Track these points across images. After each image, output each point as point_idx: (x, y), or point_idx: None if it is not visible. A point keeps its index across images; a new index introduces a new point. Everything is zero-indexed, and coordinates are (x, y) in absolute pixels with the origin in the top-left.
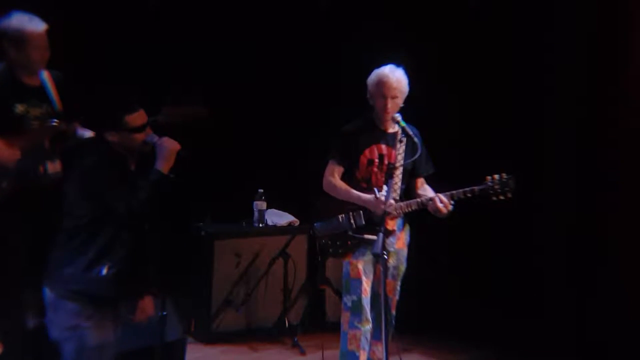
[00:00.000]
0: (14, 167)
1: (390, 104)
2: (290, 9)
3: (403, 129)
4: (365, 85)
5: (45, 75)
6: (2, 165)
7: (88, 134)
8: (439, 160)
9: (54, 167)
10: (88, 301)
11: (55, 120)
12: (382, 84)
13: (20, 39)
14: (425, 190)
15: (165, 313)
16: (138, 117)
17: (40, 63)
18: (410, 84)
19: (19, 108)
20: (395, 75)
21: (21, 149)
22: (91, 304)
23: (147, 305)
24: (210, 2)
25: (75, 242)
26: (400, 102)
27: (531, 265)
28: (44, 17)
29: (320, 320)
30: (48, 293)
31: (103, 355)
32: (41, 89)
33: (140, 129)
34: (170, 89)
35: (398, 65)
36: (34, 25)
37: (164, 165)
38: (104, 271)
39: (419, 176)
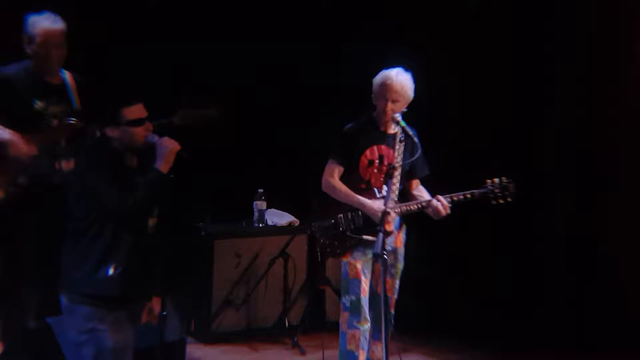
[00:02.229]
0: (30, 162)
1: (390, 107)
2: (291, 9)
3: (403, 129)
4: (365, 85)
5: (67, 75)
6: (19, 160)
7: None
8: (439, 161)
9: (68, 165)
10: (100, 303)
11: (73, 118)
12: (385, 86)
13: (39, 36)
14: (421, 192)
15: (165, 313)
16: (135, 110)
17: (59, 61)
18: (415, 86)
19: (39, 104)
20: (399, 79)
21: (38, 145)
22: (104, 306)
23: (155, 306)
24: (212, 3)
25: (80, 245)
26: (401, 106)
27: (531, 265)
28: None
29: (320, 320)
30: (63, 299)
31: (122, 356)
32: (62, 88)
33: (137, 122)
34: (184, 91)
35: (407, 69)
36: (52, 23)
37: (163, 165)
38: (110, 271)
39: (415, 178)
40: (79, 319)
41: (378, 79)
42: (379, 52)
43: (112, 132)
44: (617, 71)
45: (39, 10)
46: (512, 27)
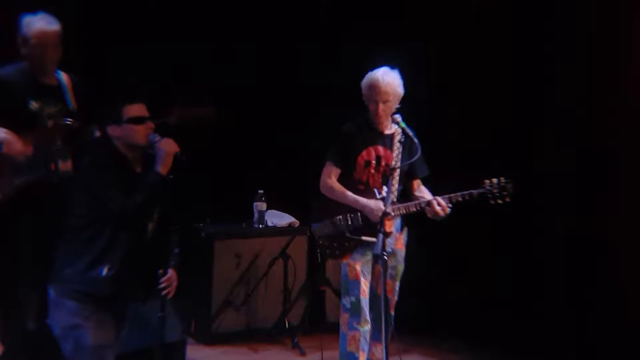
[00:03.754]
0: (26, 163)
1: (381, 108)
2: (290, 9)
3: (403, 130)
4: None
5: (63, 76)
6: (14, 160)
7: None
8: (438, 162)
9: (65, 165)
10: (88, 301)
11: (69, 119)
12: (372, 88)
13: (32, 37)
14: (422, 192)
15: (165, 314)
16: (137, 108)
17: (53, 62)
18: (410, 84)
19: (34, 105)
20: (385, 80)
21: (34, 145)
22: (91, 303)
23: (172, 278)
24: (209, 3)
25: (76, 242)
26: (393, 105)
27: (531, 266)
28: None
29: (320, 321)
30: (51, 292)
31: (101, 355)
32: (58, 89)
33: (139, 120)
34: (179, 91)
35: (393, 67)
36: (46, 24)
37: (161, 167)
38: (104, 272)
39: (416, 178)
40: (64, 314)
41: (365, 82)
42: (378, 52)
43: (113, 130)
44: (617, 71)
45: (35, 10)
46: (512, 27)
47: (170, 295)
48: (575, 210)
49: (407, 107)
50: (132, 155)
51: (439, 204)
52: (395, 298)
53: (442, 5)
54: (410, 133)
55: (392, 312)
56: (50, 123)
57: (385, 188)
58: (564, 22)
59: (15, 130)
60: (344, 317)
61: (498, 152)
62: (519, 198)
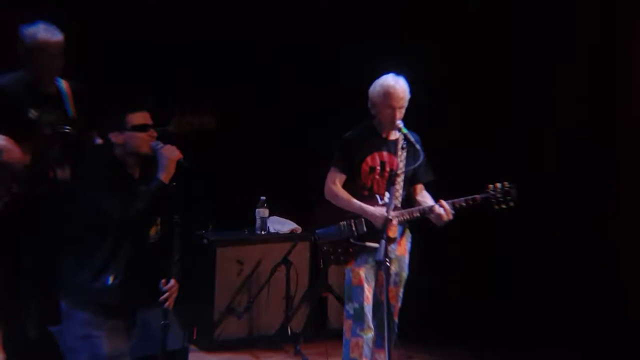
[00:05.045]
0: (24, 171)
1: (398, 115)
2: (291, 9)
3: (405, 136)
4: (368, 88)
5: (63, 84)
6: (12, 168)
7: None
8: (440, 166)
9: (63, 173)
10: (98, 310)
11: (68, 127)
12: (389, 94)
13: (35, 47)
14: (424, 197)
15: (167, 321)
16: (140, 117)
17: (55, 71)
18: (410, 87)
19: (33, 113)
20: (400, 85)
21: (32, 153)
22: (101, 313)
23: (174, 288)
24: (209, 3)
25: (79, 252)
26: (404, 110)
27: (533, 270)
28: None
29: (322, 328)
30: (62, 304)
31: None
32: (57, 97)
33: (142, 127)
34: (179, 99)
35: (397, 73)
36: (49, 34)
37: (164, 174)
38: (110, 280)
39: (418, 183)
40: (76, 325)
41: (378, 89)
42: (379, 53)
43: (116, 137)
44: (617, 71)
45: (36, 20)
46: (512, 27)
47: (170, 307)
48: (575, 211)
49: (408, 110)
50: (131, 161)
51: (443, 209)
52: (399, 304)
53: (441, 6)
54: (412, 139)
55: (396, 319)
56: (48, 131)
57: (387, 194)
58: (564, 22)
59: (14, 139)
60: (347, 324)
61: (498, 153)
62: (520, 199)
